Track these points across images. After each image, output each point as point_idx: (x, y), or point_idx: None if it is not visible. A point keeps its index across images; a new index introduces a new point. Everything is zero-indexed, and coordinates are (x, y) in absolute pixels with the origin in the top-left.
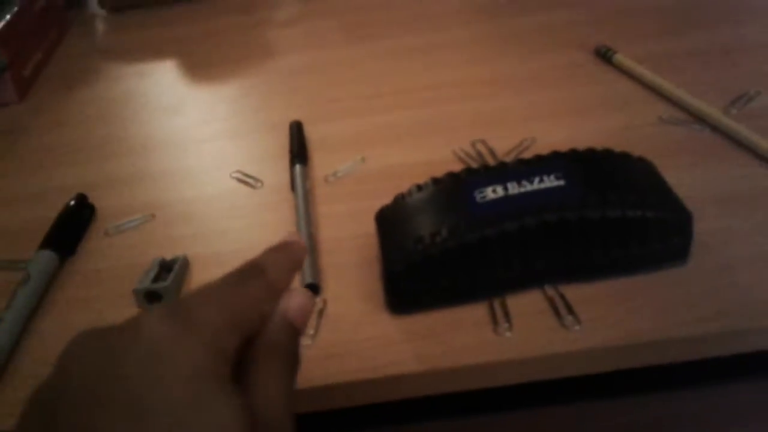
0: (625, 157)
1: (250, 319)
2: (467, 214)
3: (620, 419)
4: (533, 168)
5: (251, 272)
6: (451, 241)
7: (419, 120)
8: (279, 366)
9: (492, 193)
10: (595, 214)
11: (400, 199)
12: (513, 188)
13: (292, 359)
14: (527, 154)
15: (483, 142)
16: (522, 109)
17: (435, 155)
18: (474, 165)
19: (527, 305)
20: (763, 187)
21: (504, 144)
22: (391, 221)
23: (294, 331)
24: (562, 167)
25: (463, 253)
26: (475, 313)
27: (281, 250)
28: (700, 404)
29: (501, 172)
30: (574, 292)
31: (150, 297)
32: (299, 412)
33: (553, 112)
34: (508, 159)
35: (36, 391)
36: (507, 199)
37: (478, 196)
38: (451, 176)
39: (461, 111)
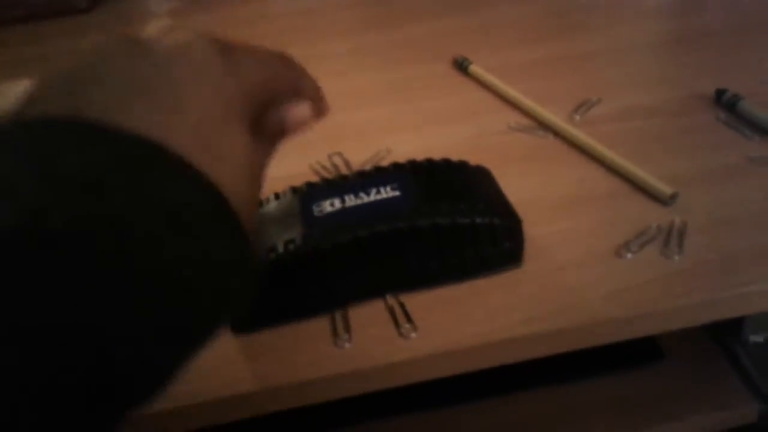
0: (462, 166)
1: (282, 92)
2: (303, 228)
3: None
4: (372, 180)
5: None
6: (286, 257)
7: None
8: None
9: (329, 206)
10: (426, 223)
11: None
12: (350, 200)
13: None
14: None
15: (340, 154)
16: (381, 121)
17: (293, 170)
18: (330, 178)
19: (368, 316)
20: (597, 189)
21: (360, 156)
22: None
23: None
24: (399, 178)
25: (299, 267)
26: (316, 327)
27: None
28: (560, 402)
29: (340, 185)
30: (415, 300)
31: None
32: None
33: (410, 123)
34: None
35: (62, 71)
36: (343, 211)
37: (315, 210)
38: (292, 190)
39: (322, 124)
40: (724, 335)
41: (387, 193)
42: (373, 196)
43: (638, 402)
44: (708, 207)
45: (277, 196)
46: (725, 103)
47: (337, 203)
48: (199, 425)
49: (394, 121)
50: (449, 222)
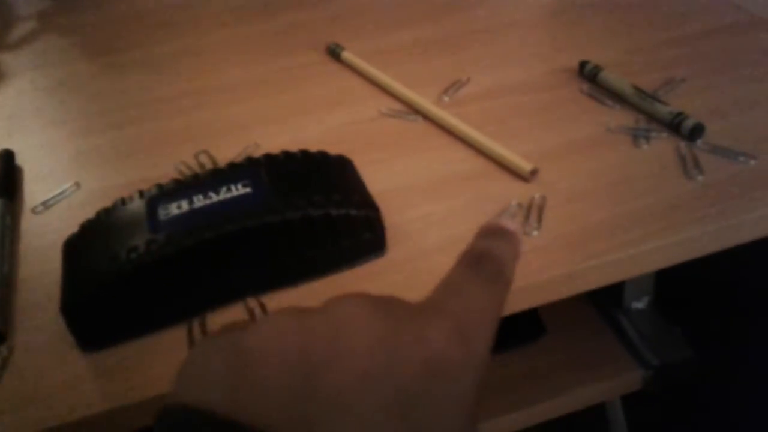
0: (321, 157)
1: None
2: (148, 233)
3: None
4: (223, 177)
5: (496, 275)
6: (128, 265)
7: (143, 136)
8: None
9: (176, 208)
10: (277, 219)
11: (87, 225)
12: (198, 201)
13: None
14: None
15: (206, 152)
16: (251, 115)
17: (155, 172)
18: (181, 178)
19: (228, 320)
20: (463, 170)
21: (228, 153)
22: (75, 251)
23: None
24: (251, 174)
25: (144, 277)
26: (172, 337)
27: (504, 237)
28: None
29: (190, 185)
30: (279, 299)
31: None
32: None
33: (280, 115)
34: None
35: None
36: (191, 213)
37: (162, 213)
38: (139, 194)
39: (189, 122)
40: (606, 304)
41: (238, 190)
42: (222, 195)
43: (524, 379)
44: (568, 180)
45: (123, 201)
46: (587, 74)
47: (185, 205)
48: None
49: (265, 114)
50: (301, 216)
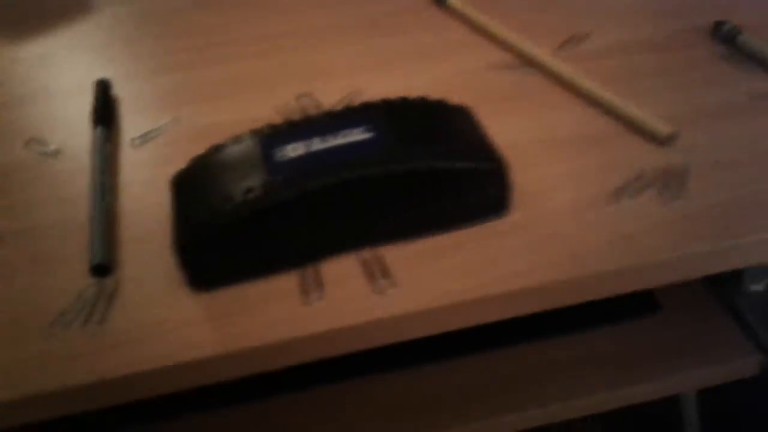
0: (441, 106)
1: None
2: (264, 175)
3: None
4: (341, 121)
5: None
6: (244, 207)
7: (242, 74)
8: None
9: (293, 150)
10: (402, 169)
11: (197, 162)
12: (317, 144)
13: None
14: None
15: (309, 95)
16: (351, 59)
17: (257, 112)
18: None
19: (341, 270)
20: (588, 130)
21: (331, 97)
22: (186, 187)
23: None
24: (371, 119)
25: (260, 218)
26: (285, 283)
27: None
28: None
29: (306, 127)
30: (393, 252)
31: None
32: (91, 408)
33: (384, 61)
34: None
35: None
36: (309, 156)
37: (278, 155)
38: (253, 134)
39: (287, 63)
40: (723, 284)
41: (358, 135)
42: (342, 139)
43: (636, 355)
44: (709, 148)
45: (235, 139)
46: (724, 36)
47: (302, 147)
48: (155, 393)
49: (366, 59)
50: (427, 167)
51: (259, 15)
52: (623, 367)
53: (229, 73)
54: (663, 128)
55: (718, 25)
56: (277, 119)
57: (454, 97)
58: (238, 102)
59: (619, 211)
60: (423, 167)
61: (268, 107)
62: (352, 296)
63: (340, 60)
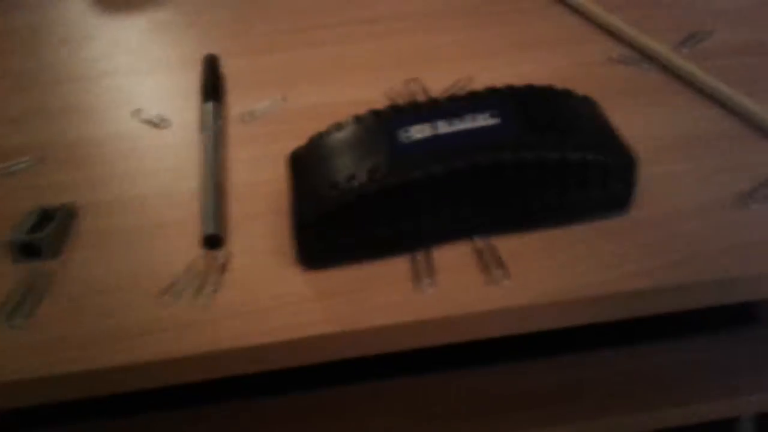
0: (567, 95)
1: None
2: (390, 156)
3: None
4: (466, 105)
5: None
6: (370, 186)
7: (348, 56)
8: None
9: (419, 132)
10: (532, 156)
11: (316, 140)
12: (443, 127)
13: None
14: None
15: (417, 80)
16: (462, 46)
17: (364, 95)
18: (418, 102)
19: (454, 258)
20: (713, 130)
21: (439, 83)
22: (305, 165)
23: None
24: (498, 105)
25: (384, 199)
26: (396, 267)
27: None
28: (658, 360)
29: (430, 110)
30: (506, 243)
31: (26, 250)
32: (198, 379)
33: (494, 49)
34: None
35: None
36: (435, 138)
37: (403, 136)
38: (375, 114)
39: (395, 47)
40: None
41: (485, 120)
42: (468, 123)
43: (735, 367)
44: None
45: (357, 119)
46: None
47: (428, 130)
48: (267, 368)
49: (475, 46)
50: (558, 157)
51: None
52: (720, 377)
53: (336, 55)
54: None
55: None
56: (384, 103)
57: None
58: (344, 84)
59: (746, 216)
60: (554, 157)
61: (375, 90)
62: (465, 285)
63: (451, 46)
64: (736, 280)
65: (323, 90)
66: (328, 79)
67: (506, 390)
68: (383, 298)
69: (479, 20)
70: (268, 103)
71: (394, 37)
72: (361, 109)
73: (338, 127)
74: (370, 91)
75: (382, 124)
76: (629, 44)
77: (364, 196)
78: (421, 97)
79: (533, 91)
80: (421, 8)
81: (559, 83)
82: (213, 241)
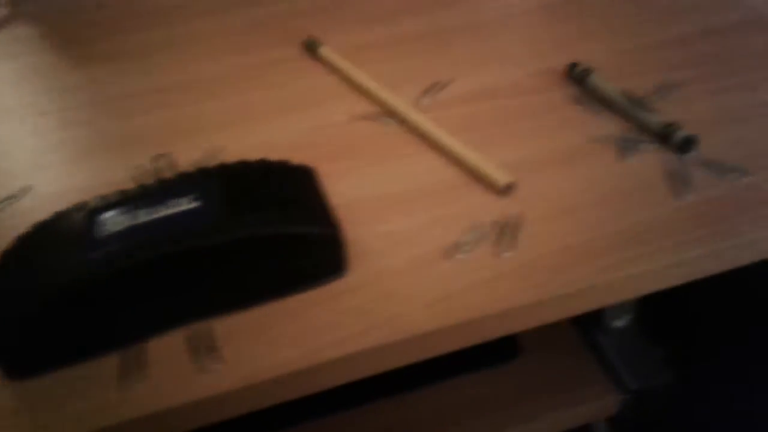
0: (281, 168)
1: None
2: (84, 253)
3: None
4: (171, 190)
5: None
6: (61, 289)
7: (104, 134)
8: None
9: (115, 224)
10: (224, 239)
11: (22, 241)
12: (142, 216)
13: None
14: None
15: (166, 156)
16: (218, 114)
17: (114, 176)
18: (127, 188)
19: (168, 348)
20: (437, 181)
21: (190, 156)
22: (9, 267)
23: None
24: (202, 187)
25: (76, 300)
26: (105, 366)
27: None
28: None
29: (136, 197)
30: (224, 324)
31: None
32: None
33: (251, 115)
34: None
35: None
36: (131, 230)
37: (100, 229)
38: (78, 208)
39: (153, 121)
40: (585, 322)
41: (186, 204)
42: (169, 209)
43: (497, 401)
44: (546, 196)
45: (58, 215)
46: (576, 77)
47: (126, 220)
48: None
49: (234, 113)
50: (253, 235)
51: (129, 72)
52: (484, 413)
53: (91, 134)
54: (501, 178)
55: (572, 66)
56: (131, 183)
57: (315, 150)
58: (96, 166)
59: (454, 266)
60: (245, 236)
61: (127, 170)
62: (176, 376)
63: (205, 116)
64: (433, 334)
65: (72, 174)
66: (79, 161)
67: None
68: (88, 402)
69: (240, 86)
70: (9, 194)
71: (150, 111)
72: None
73: (42, 225)
74: (120, 172)
75: (86, 216)
76: (373, 99)
77: (56, 298)
78: (167, 174)
79: (245, 167)
80: (175, 80)
81: (305, 146)
82: None
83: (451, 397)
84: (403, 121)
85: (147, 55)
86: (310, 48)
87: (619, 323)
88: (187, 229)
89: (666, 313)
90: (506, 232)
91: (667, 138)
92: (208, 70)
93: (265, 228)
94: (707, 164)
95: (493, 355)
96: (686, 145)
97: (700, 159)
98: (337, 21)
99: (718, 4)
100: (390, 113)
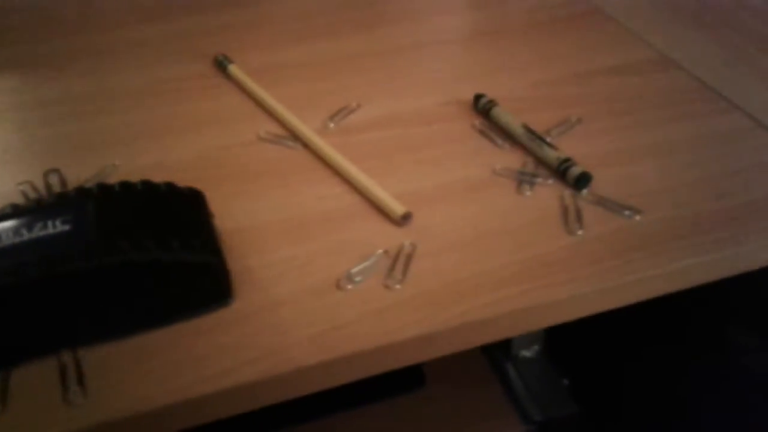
0: (167, 190)
1: None
2: None
3: None
4: (45, 211)
5: None
6: None
7: None
8: None
9: None
10: (92, 265)
11: None
12: (7, 240)
13: None
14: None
15: (57, 172)
16: (117, 130)
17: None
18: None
19: (36, 379)
20: (335, 209)
21: (82, 173)
22: None
23: None
24: (75, 209)
25: None
26: None
27: None
28: None
29: (5, 218)
30: (98, 355)
31: None
32: None
33: (151, 132)
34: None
35: None
36: None
37: None
38: None
39: (51, 134)
40: (494, 351)
41: (55, 228)
42: (36, 233)
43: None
44: (442, 228)
45: None
46: (481, 109)
47: None
48: None
49: (134, 129)
50: (122, 262)
51: (33, 81)
52: None
53: None
54: (397, 208)
55: (477, 97)
56: (21, 199)
57: (214, 172)
58: None
59: (345, 296)
60: (116, 262)
61: (10, 185)
62: (41, 408)
63: (104, 131)
64: (315, 368)
65: None
66: None
67: None
68: None
69: (145, 101)
70: None
71: (50, 123)
72: None
73: None
74: (5, 186)
75: None
76: (278, 121)
77: None
78: (58, 190)
79: (126, 189)
80: (85, 90)
81: (203, 166)
82: None
83: (355, 426)
84: (307, 146)
85: (58, 65)
86: (221, 65)
87: (527, 353)
88: (53, 254)
89: (571, 344)
90: (398, 263)
91: (563, 173)
92: (118, 83)
93: (138, 254)
94: (601, 201)
95: (398, 384)
96: (580, 181)
97: (594, 195)
98: (253, 39)
99: (623, 43)
100: (295, 136)
